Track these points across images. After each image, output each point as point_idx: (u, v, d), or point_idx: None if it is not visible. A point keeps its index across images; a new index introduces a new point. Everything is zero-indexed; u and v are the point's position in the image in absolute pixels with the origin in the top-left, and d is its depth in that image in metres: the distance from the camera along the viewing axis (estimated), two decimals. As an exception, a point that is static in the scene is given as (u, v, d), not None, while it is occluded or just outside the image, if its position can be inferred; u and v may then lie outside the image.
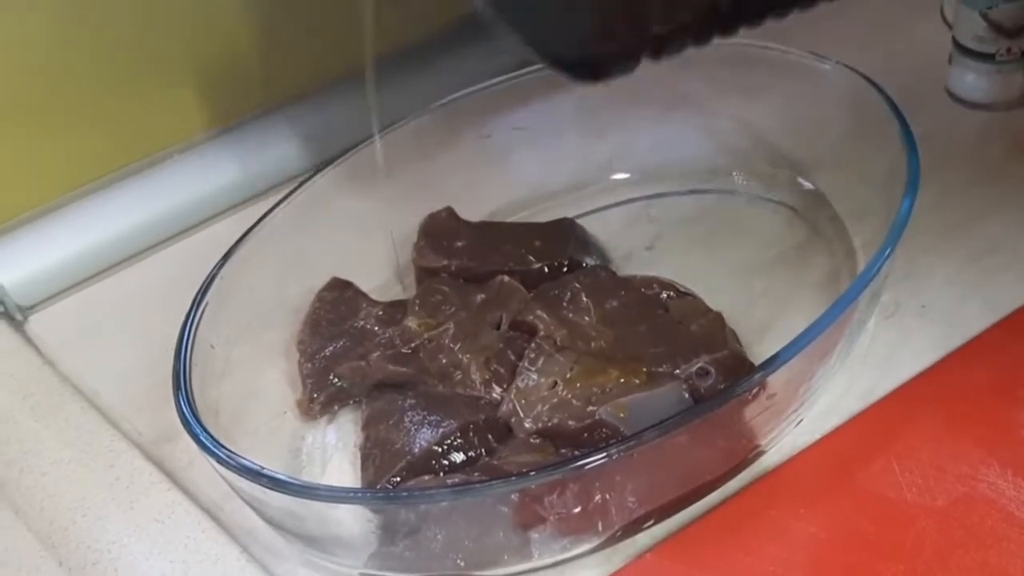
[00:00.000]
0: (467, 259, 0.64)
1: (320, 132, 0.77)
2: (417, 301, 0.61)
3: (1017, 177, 0.65)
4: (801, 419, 0.52)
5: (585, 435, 0.52)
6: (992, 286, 0.58)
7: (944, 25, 0.78)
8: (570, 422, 0.52)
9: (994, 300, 0.57)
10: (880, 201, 0.55)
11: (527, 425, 0.53)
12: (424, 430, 0.54)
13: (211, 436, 0.49)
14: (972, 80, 0.70)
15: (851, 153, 0.62)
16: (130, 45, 0.71)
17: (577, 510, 0.47)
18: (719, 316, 0.57)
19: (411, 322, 0.60)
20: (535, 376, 0.55)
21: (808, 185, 0.65)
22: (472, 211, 0.68)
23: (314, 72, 0.79)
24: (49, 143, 0.71)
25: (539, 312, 0.58)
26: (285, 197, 0.63)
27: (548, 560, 0.49)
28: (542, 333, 0.57)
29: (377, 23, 0.61)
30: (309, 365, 0.60)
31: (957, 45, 0.70)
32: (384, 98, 0.78)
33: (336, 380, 0.59)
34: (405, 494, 0.50)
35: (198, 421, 0.51)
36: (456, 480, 0.51)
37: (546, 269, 0.63)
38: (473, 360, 0.57)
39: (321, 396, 0.59)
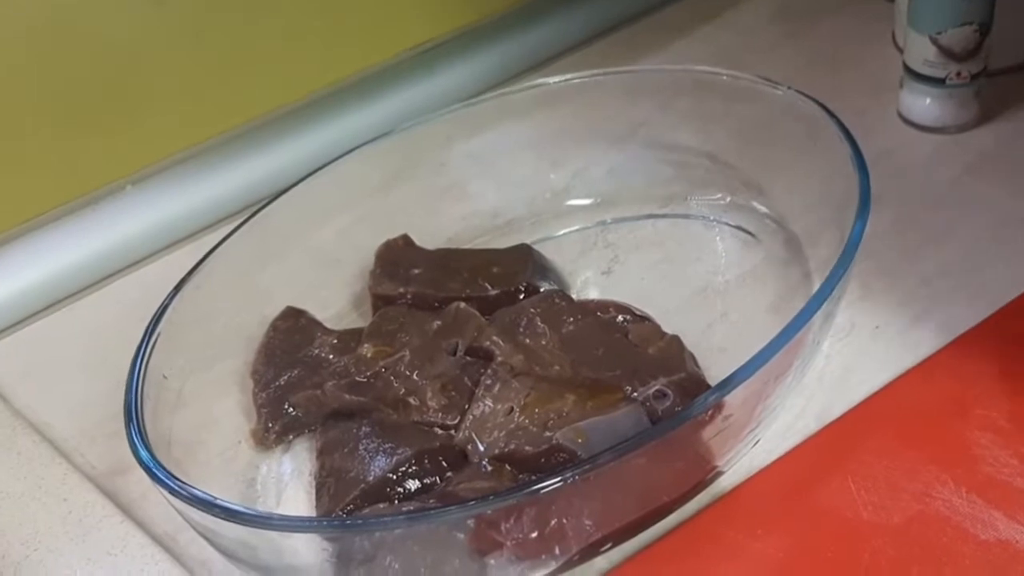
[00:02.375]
0: (423, 286, 0.64)
1: (272, 162, 0.77)
2: (372, 329, 0.61)
3: (969, 200, 0.66)
4: (758, 440, 0.52)
5: (543, 460, 0.52)
6: (945, 308, 0.59)
7: (895, 50, 0.79)
8: (527, 447, 0.52)
9: (947, 321, 0.58)
10: (834, 224, 0.55)
11: (483, 451, 0.53)
12: (379, 458, 0.53)
13: (163, 467, 0.49)
14: (923, 104, 0.71)
15: (805, 177, 0.62)
16: (80, 79, 0.71)
17: (534, 535, 0.47)
18: (676, 339, 0.57)
19: (366, 350, 0.59)
20: (491, 402, 0.55)
21: (763, 209, 0.65)
22: (429, 238, 0.68)
23: (269, 99, 0.79)
24: (-2, 176, 0.71)
25: (495, 338, 0.58)
26: (238, 226, 0.63)
27: (506, 586, 0.49)
28: (499, 359, 0.57)
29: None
30: (264, 394, 0.59)
31: (908, 70, 0.71)
32: (343, 124, 0.79)
33: (291, 409, 0.58)
34: (359, 522, 0.50)
35: (150, 453, 0.50)
36: (411, 507, 0.50)
37: (503, 295, 0.63)
38: (429, 386, 0.56)
39: (276, 425, 0.58)
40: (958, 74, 0.69)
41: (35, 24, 0.68)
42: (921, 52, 0.69)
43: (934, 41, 0.68)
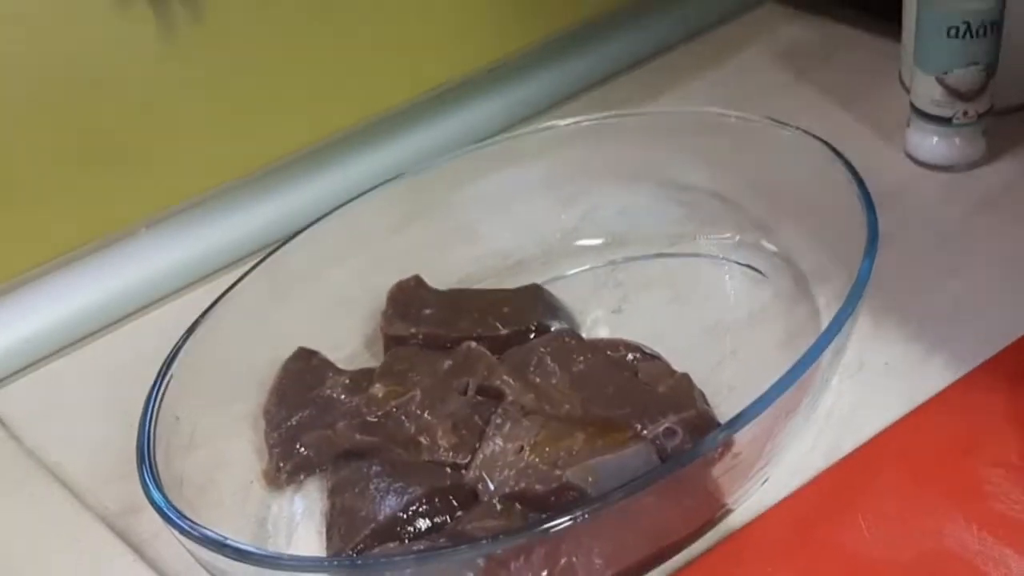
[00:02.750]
0: (435, 326, 0.64)
1: (285, 205, 0.78)
2: (383, 369, 0.61)
3: (977, 237, 0.66)
4: (767, 477, 0.52)
5: (553, 498, 0.52)
6: (954, 343, 0.59)
7: (902, 90, 0.80)
8: (537, 486, 0.52)
9: (956, 358, 0.58)
10: (842, 262, 0.55)
11: (493, 490, 0.53)
12: (389, 497, 0.53)
13: (174, 507, 0.49)
14: (930, 143, 0.72)
15: (813, 216, 0.63)
16: (96, 123, 0.72)
17: (544, 574, 0.47)
18: (686, 377, 0.57)
19: (377, 390, 0.60)
20: (501, 441, 0.55)
21: (772, 247, 0.66)
22: (440, 279, 0.68)
23: (282, 144, 0.80)
24: (13, 219, 0.72)
25: (505, 377, 0.58)
26: (250, 269, 0.63)
27: (516, 625, 0.49)
28: (509, 398, 0.57)
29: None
30: (275, 434, 0.60)
31: (915, 109, 0.72)
32: (355, 168, 0.80)
33: (302, 449, 0.59)
34: (370, 561, 0.50)
35: (162, 493, 0.50)
36: (421, 546, 0.50)
37: (514, 335, 0.63)
38: (440, 425, 0.57)
39: (287, 465, 0.58)
40: (965, 113, 0.70)
41: (52, 67, 0.69)
42: (928, 92, 0.70)
43: (940, 81, 0.69)
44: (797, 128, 0.63)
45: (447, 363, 0.61)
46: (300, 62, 0.78)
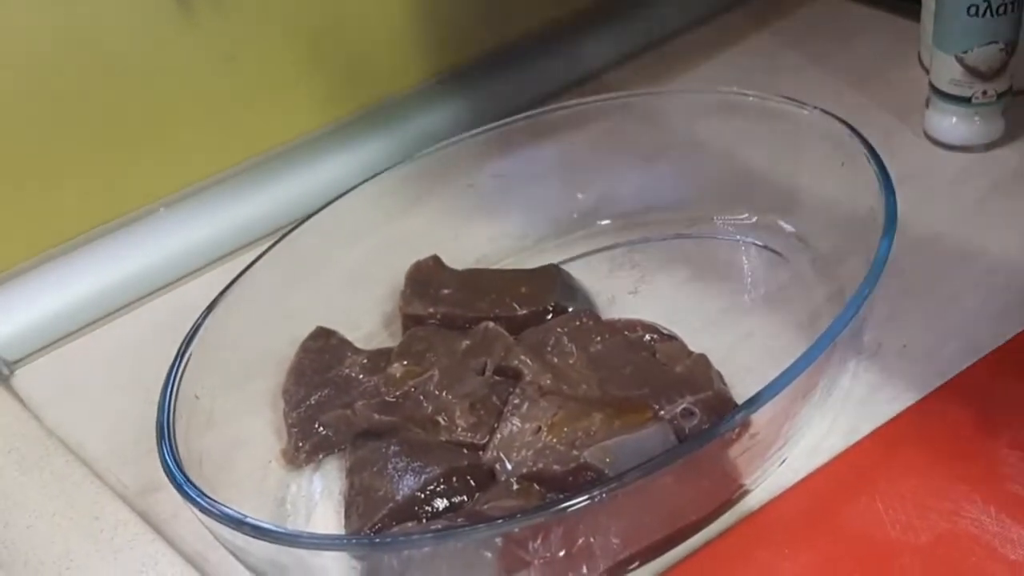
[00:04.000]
0: (453, 306, 0.64)
1: (303, 184, 0.78)
2: (401, 349, 0.61)
3: (995, 218, 0.66)
4: (785, 458, 0.52)
5: (570, 479, 0.52)
6: (972, 325, 0.59)
7: (921, 70, 0.79)
8: (555, 466, 0.52)
9: (974, 339, 0.58)
10: (860, 243, 0.55)
11: (511, 470, 0.53)
12: (407, 477, 0.53)
13: (194, 486, 0.49)
14: (949, 123, 0.71)
15: (831, 196, 0.62)
16: (115, 102, 0.72)
17: (562, 554, 0.47)
18: (704, 357, 0.57)
19: (395, 370, 0.60)
20: (519, 422, 0.55)
21: (789, 228, 0.66)
22: (458, 259, 0.68)
23: (299, 124, 0.80)
24: (33, 199, 0.72)
25: (523, 357, 0.58)
26: (269, 248, 0.64)
27: (533, 605, 0.49)
28: (527, 378, 0.57)
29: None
30: (294, 414, 0.60)
31: (934, 89, 0.71)
32: (372, 146, 0.80)
33: (321, 429, 0.59)
34: (388, 540, 0.50)
35: (181, 471, 0.50)
36: (439, 526, 0.51)
37: (531, 315, 0.63)
38: (457, 405, 0.57)
39: (306, 445, 0.59)
40: (984, 93, 0.69)
41: (71, 48, 0.69)
42: (947, 72, 0.69)
43: (960, 60, 0.68)
44: (816, 108, 0.62)
45: (465, 343, 0.61)
46: (315, 41, 0.78)
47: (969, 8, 0.66)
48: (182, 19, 0.72)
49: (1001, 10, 0.66)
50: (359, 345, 0.64)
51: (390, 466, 0.55)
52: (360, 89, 0.82)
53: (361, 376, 0.61)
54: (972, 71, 0.69)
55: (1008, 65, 0.68)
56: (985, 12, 0.66)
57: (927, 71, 0.73)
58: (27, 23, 0.68)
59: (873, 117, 0.68)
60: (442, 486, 0.53)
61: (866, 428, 0.54)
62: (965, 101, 0.70)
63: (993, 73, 0.69)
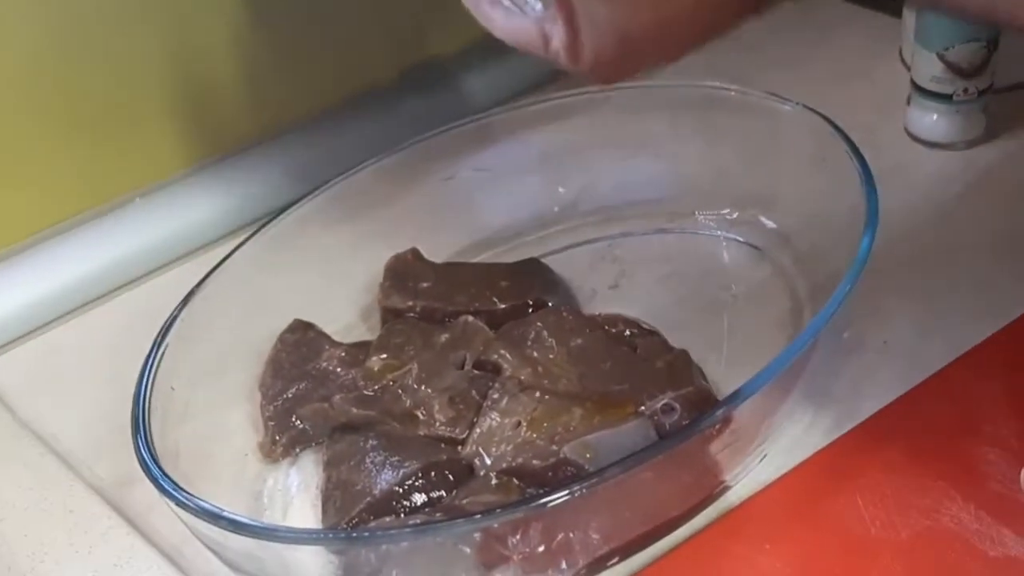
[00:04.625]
0: (432, 300, 0.64)
1: (282, 175, 0.77)
2: (380, 342, 0.61)
3: (976, 216, 0.66)
4: (765, 454, 0.52)
5: (550, 474, 0.52)
6: (953, 323, 0.59)
7: (903, 67, 0.80)
8: (535, 461, 0.52)
9: (955, 337, 0.58)
10: (841, 239, 0.55)
11: (490, 465, 0.53)
12: (385, 471, 0.53)
13: (170, 479, 0.49)
14: (930, 120, 0.71)
15: (812, 192, 0.62)
16: (90, 92, 0.71)
17: (541, 549, 0.47)
18: (684, 353, 0.57)
19: (374, 363, 0.59)
20: (498, 416, 0.55)
21: (770, 224, 0.65)
22: (437, 252, 0.68)
23: (277, 114, 0.79)
24: (7, 189, 0.71)
25: (503, 351, 0.58)
26: (246, 239, 0.63)
27: (512, 600, 0.49)
28: (506, 372, 0.57)
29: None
30: (271, 407, 0.59)
31: (915, 86, 0.71)
32: (349, 140, 0.79)
33: (298, 422, 0.58)
34: (366, 534, 0.50)
35: (157, 464, 0.50)
36: (417, 520, 0.50)
37: (511, 309, 0.63)
38: (436, 399, 0.56)
39: (283, 438, 0.58)
40: (965, 90, 0.69)
41: (47, 37, 0.69)
42: (928, 69, 0.70)
43: (941, 58, 0.69)
44: (797, 103, 0.62)
45: (444, 337, 0.60)
46: (293, 33, 0.78)
47: (951, 5, 0.66)
48: (165, 7, 0.72)
49: (983, 8, 0.66)
50: (337, 338, 0.64)
51: (368, 460, 0.54)
52: (344, 77, 0.81)
53: (339, 369, 0.61)
54: (954, 68, 0.69)
55: (989, 63, 0.69)
56: (967, 9, 0.66)
57: (908, 68, 0.73)
58: (7, 14, 0.67)
59: (855, 113, 0.67)
60: (420, 481, 0.53)
61: (847, 424, 0.54)
62: (946, 98, 0.70)
63: (974, 70, 0.69)
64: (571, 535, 0.47)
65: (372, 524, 0.52)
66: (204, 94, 0.76)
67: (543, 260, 0.67)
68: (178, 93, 0.75)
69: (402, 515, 0.52)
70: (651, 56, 0.49)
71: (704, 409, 0.53)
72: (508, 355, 0.58)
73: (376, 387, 0.58)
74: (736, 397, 0.46)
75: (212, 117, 0.77)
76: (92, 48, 0.70)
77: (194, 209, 0.76)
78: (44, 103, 0.70)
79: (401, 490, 0.53)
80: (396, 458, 0.54)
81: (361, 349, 0.62)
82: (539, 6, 0.46)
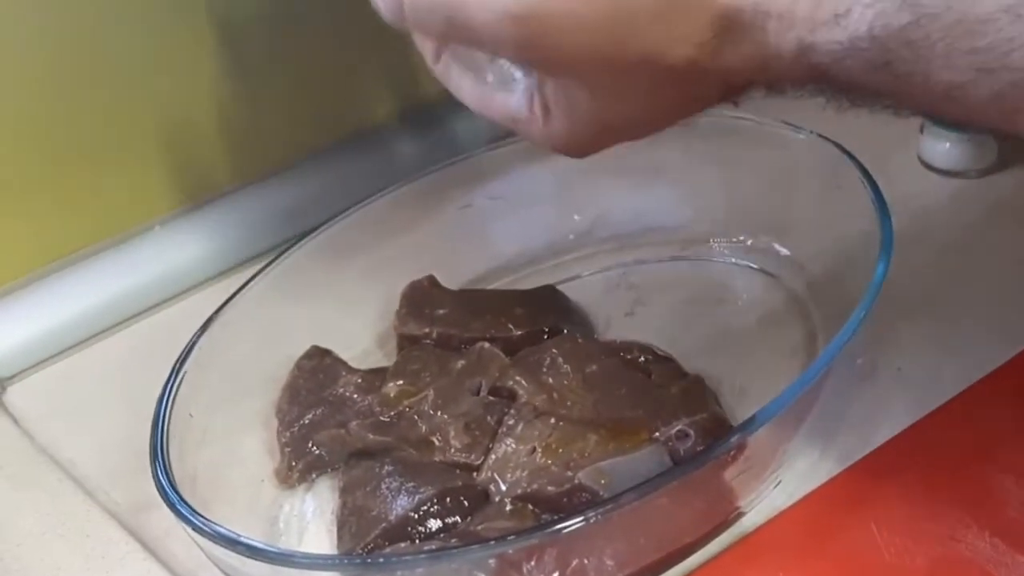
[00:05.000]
0: (448, 326, 0.64)
1: (298, 204, 0.78)
2: (396, 368, 0.61)
3: (990, 243, 0.66)
4: (780, 480, 0.52)
5: (565, 500, 0.52)
6: (967, 350, 0.59)
7: (916, 95, 0.80)
8: (549, 487, 0.52)
9: (969, 364, 0.58)
10: (855, 266, 0.55)
11: (505, 491, 0.53)
12: (401, 497, 0.53)
13: (188, 505, 0.49)
14: (944, 148, 0.72)
15: (826, 220, 0.62)
16: (111, 120, 0.72)
17: (555, 575, 0.47)
18: (699, 378, 0.57)
19: (390, 389, 0.60)
20: (513, 442, 0.55)
21: (784, 251, 0.66)
22: (454, 279, 0.68)
23: (290, 146, 0.80)
24: (28, 217, 0.72)
25: (518, 378, 0.58)
26: (264, 267, 0.64)
27: (527, 626, 0.49)
28: (522, 398, 0.57)
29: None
30: (288, 433, 0.60)
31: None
32: (367, 169, 0.80)
33: (315, 448, 0.59)
34: (381, 560, 0.50)
35: (175, 490, 0.50)
36: (432, 546, 0.50)
37: (527, 336, 0.63)
38: (452, 425, 0.57)
39: (299, 464, 0.58)
40: (979, 119, 0.69)
41: (68, 64, 0.70)
42: (942, 97, 0.70)
43: (955, 86, 0.69)
44: (811, 132, 0.63)
45: (460, 363, 0.61)
46: (314, 62, 0.79)
47: (964, 34, 0.66)
48: (180, 37, 0.73)
49: (996, 36, 0.66)
50: (354, 364, 0.64)
51: (383, 486, 0.54)
52: (361, 107, 0.82)
53: (355, 396, 0.61)
54: (967, 97, 0.69)
55: (1003, 91, 0.69)
56: (980, 38, 0.66)
57: (922, 96, 0.73)
58: (25, 45, 0.68)
59: (868, 141, 0.68)
60: (436, 506, 0.53)
61: (861, 451, 0.54)
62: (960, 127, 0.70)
63: (988, 99, 0.69)
64: (586, 561, 0.47)
65: (387, 550, 0.52)
66: (225, 123, 0.77)
67: (558, 287, 0.68)
68: (200, 122, 0.76)
69: (417, 541, 0.52)
70: (625, 138, 0.50)
71: (719, 435, 0.53)
72: (524, 381, 0.58)
73: (392, 413, 0.58)
74: (751, 424, 0.46)
75: (233, 146, 0.78)
76: (115, 75, 0.71)
77: (213, 237, 0.76)
78: (65, 130, 0.71)
79: (416, 516, 0.53)
80: (411, 484, 0.54)
81: (377, 375, 0.62)
82: (519, 77, 0.46)
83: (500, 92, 0.46)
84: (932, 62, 0.36)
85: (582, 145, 0.48)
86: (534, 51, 0.42)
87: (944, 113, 0.39)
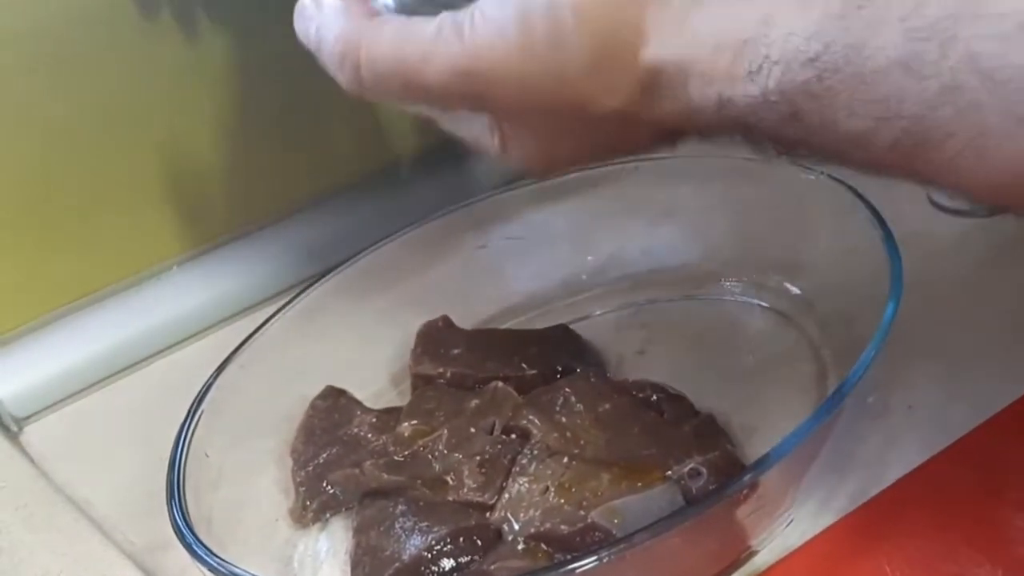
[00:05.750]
0: (463, 366, 0.65)
1: (313, 246, 0.79)
2: (410, 408, 0.62)
3: (1000, 281, 0.66)
4: (792, 519, 0.52)
5: (578, 539, 0.52)
6: (978, 387, 0.59)
7: (925, 135, 0.80)
8: (562, 527, 0.52)
9: (980, 401, 0.58)
10: (865, 305, 0.55)
11: (518, 530, 0.53)
12: (414, 536, 0.53)
13: (204, 545, 0.49)
14: (954, 188, 0.72)
15: (836, 259, 0.63)
16: (130, 161, 0.73)
17: (569, 614, 0.47)
18: (711, 417, 0.57)
19: (404, 429, 0.60)
20: (527, 481, 0.55)
21: (795, 290, 0.66)
22: (468, 319, 0.69)
23: (305, 189, 0.81)
24: (45, 258, 0.73)
25: (531, 417, 0.58)
26: (281, 308, 0.64)
27: (540, 666, 0.49)
28: (535, 437, 0.58)
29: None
30: (302, 473, 0.60)
31: (938, 154, 0.72)
32: (381, 210, 0.81)
33: (329, 488, 0.59)
34: (395, 600, 0.50)
35: (191, 530, 0.51)
36: (446, 586, 0.51)
37: (540, 375, 0.64)
38: (466, 465, 0.57)
39: (314, 504, 0.59)
40: (988, 158, 0.70)
41: (85, 105, 0.71)
42: (951, 137, 0.70)
43: (964, 126, 0.69)
44: (821, 172, 0.63)
45: (474, 403, 0.61)
46: (329, 103, 0.79)
47: (972, 75, 0.67)
48: (196, 74, 0.74)
49: (1004, 77, 0.67)
50: (369, 404, 0.64)
51: (397, 526, 0.55)
52: (378, 148, 0.83)
53: (370, 435, 0.61)
54: (976, 137, 0.69)
55: (1011, 131, 0.69)
56: (988, 78, 0.67)
57: (931, 136, 0.73)
58: (42, 89, 0.69)
59: (877, 181, 0.68)
60: (449, 546, 0.53)
61: (873, 490, 0.54)
62: (969, 166, 0.70)
63: (997, 139, 0.69)
64: (599, 601, 0.47)
65: (401, 589, 0.52)
66: (241, 165, 0.77)
67: (571, 326, 0.68)
68: (217, 163, 0.77)
69: (431, 580, 0.52)
70: (576, 165, 0.62)
71: (731, 474, 0.53)
72: (537, 420, 0.58)
73: (406, 452, 0.59)
74: (763, 462, 0.46)
75: (250, 188, 0.78)
76: (131, 119, 0.73)
77: (230, 278, 0.77)
78: (81, 174, 0.72)
79: (430, 555, 0.53)
80: (425, 523, 0.54)
81: (392, 415, 0.63)
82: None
83: (466, 122, 0.51)
84: (837, 112, 0.39)
85: (538, 171, 0.53)
86: (481, 102, 0.47)
87: (853, 161, 0.42)
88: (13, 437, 0.71)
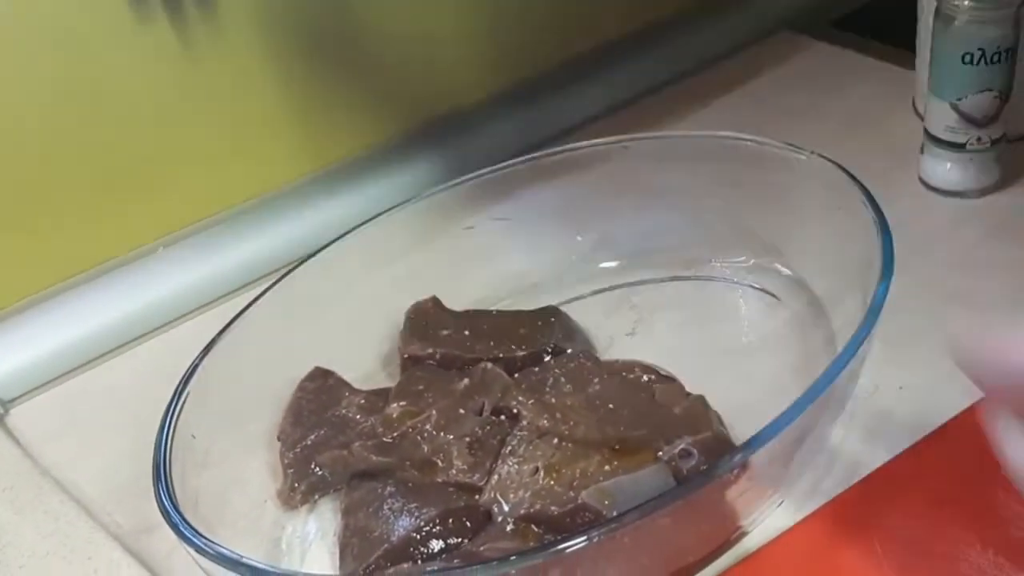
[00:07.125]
0: (451, 347, 0.64)
1: (303, 225, 0.78)
2: (399, 389, 0.61)
3: (990, 262, 0.66)
4: (782, 500, 0.52)
5: (568, 520, 0.52)
6: (969, 368, 0.59)
7: (916, 116, 0.80)
8: (552, 508, 0.52)
9: (970, 383, 0.57)
10: (857, 286, 0.55)
11: (508, 511, 0.53)
12: (403, 518, 0.53)
13: (190, 526, 0.49)
14: (944, 169, 0.72)
15: (828, 240, 0.63)
16: (115, 143, 0.73)
17: (558, 595, 0.47)
18: (702, 398, 0.57)
19: (393, 410, 0.60)
20: (516, 463, 0.55)
21: (787, 271, 0.66)
22: (457, 300, 0.68)
23: (301, 164, 0.80)
24: (31, 239, 0.72)
25: (521, 398, 0.58)
26: (267, 289, 0.64)
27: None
28: (525, 418, 0.57)
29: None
30: (290, 454, 0.60)
31: (929, 135, 0.72)
32: (373, 189, 0.80)
33: (317, 469, 0.59)
34: (384, 581, 0.50)
35: (177, 511, 0.50)
36: (434, 567, 0.50)
37: (530, 356, 0.63)
38: (455, 446, 0.57)
39: (302, 485, 0.58)
40: (978, 140, 0.70)
41: (71, 89, 0.70)
42: (942, 118, 0.70)
43: (955, 107, 0.69)
44: (813, 152, 0.63)
45: (463, 383, 0.61)
46: (313, 85, 0.79)
47: (964, 56, 0.67)
48: (183, 58, 0.73)
49: (995, 58, 0.67)
50: (357, 385, 0.64)
51: (386, 507, 0.54)
52: (364, 129, 0.83)
53: (358, 416, 0.61)
54: (967, 118, 0.69)
55: (1002, 112, 0.69)
56: (980, 60, 0.67)
57: (922, 118, 0.73)
58: (27, 71, 0.68)
59: (869, 162, 0.68)
60: (438, 527, 0.53)
61: (864, 470, 0.54)
62: (960, 147, 0.70)
63: (987, 120, 0.69)
64: (589, 581, 0.47)
65: (390, 571, 0.52)
66: (227, 145, 0.77)
67: (561, 307, 0.68)
68: (202, 144, 0.76)
69: (419, 562, 0.52)
70: None
71: (721, 455, 0.53)
72: (526, 402, 0.58)
73: (395, 434, 0.58)
74: (754, 443, 0.46)
75: (235, 169, 0.78)
76: (117, 100, 0.72)
77: (216, 259, 0.77)
78: (68, 153, 0.71)
79: (419, 537, 0.53)
80: (414, 505, 0.54)
81: (380, 396, 0.62)
82: None
83: None
84: None
85: None
86: None
87: None
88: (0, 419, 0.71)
